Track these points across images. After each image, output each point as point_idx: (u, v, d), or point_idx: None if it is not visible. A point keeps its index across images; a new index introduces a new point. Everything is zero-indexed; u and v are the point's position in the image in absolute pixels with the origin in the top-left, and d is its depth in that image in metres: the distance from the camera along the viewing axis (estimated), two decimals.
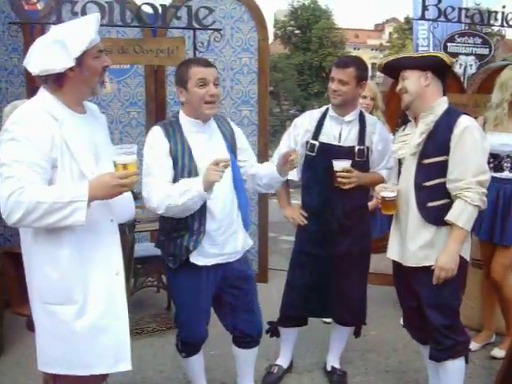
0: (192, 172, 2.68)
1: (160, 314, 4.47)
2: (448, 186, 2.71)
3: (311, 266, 3.28)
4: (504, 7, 5.91)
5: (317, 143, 3.21)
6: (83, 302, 2.19)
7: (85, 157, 2.18)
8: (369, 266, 3.43)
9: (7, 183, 2.01)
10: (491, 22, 5.87)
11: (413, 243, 2.80)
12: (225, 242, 2.79)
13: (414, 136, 2.85)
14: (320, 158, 3.19)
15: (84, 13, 4.34)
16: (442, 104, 2.81)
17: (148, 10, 4.75)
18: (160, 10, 4.68)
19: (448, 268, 2.68)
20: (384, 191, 2.90)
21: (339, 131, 3.20)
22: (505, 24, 5.82)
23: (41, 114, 2.13)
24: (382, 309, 4.46)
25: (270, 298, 4.27)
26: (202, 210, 2.68)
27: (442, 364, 2.84)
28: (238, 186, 2.85)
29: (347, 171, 3.05)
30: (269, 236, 5.58)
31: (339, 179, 3.05)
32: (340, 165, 3.05)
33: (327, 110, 3.28)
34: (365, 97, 4.05)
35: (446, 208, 2.71)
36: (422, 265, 2.78)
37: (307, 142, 3.25)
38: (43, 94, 2.21)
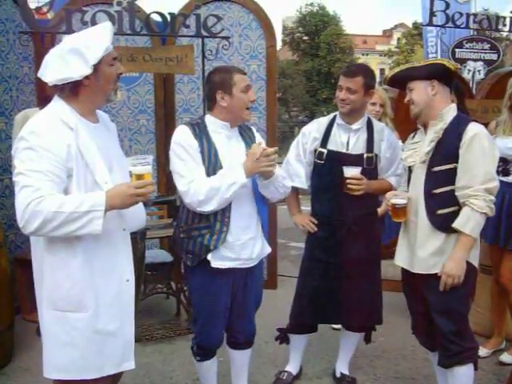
0: (217, 170, 2.72)
1: (169, 320, 4.48)
2: (456, 193, 2.72)
3: (321, 272, 3.29)
4: None
5: (325, 151, 3.23)
6: (95, 309, 2.21)
7: (99, 167, 2.21)
8: (380, 272, 3.43)
9: (25, 192, 2.03)
10: (499, 27, 5.87)
11: (422, 250, 2.81)
12: (242, 247, 2.80)
13: (423, 144, 2.86)
14: (329, 165, 3.21)
15: (94, 22, 4.39)
16: (450, 111, 2.81)
17: (157, 18, 4.78)
18: (169, 19, 4.72)
19: (454, 274, 2.68)
20: (394, 198, 2.90)
21: (347, 139, 3.22)
22: None
23: (57, 123, 2.15)
24: (391, 315, 4.45)
25: (278, 304, 4.29)
26: (226, 210, 2.72)
27: (450, 370, 2.84)
28: (257, 192, 2.86)
29: (357, 178, 3.07)
30: (278, 242, 5.58)
31: (349, 186, 3.07)
32: (350, 171, 3.08)
33: (335, 117, 3.29)
34: (374, 104, 4.05)
35: (456, 215, 2.71)
36: (431, 272, 2.78)
37: (315, 150, 3.27)
38: (58, 103, 2.23)
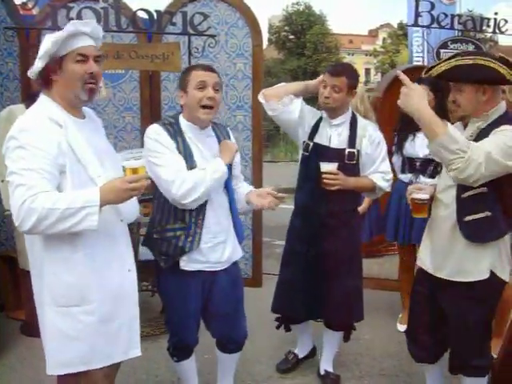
0: (194, 168, 2.71)
1: (154, 318, 4.47)
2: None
3: (298, 263, 3.37)
4: (496, 14, 5.98)
5: (311, 143, 3.31)
6: (99, 301, 2.24)
7: (90, 161, 2.23)
8: (360, 270, 3.47)
9: (19, 191, 2.04)
10: (484, 28, 5.93)
11: (447, 256, 2.66)
12: (210, 250, 2.79)
13: None
14: (312, 157, 3.29)
15: (80, 18, 4.35)
16: (496, 112, 2.57)
17: (143, 15, 4.77)
18: (155, 16, 4.70)
19: (406, 98, 2.41)
20: (416, 193, 2.76)
21: (330, 134, 3.29)
22: (497, 30, 5.88)
23: (45, 121, 2.17)
24: (376, 313, 4.48)
25: (263, 302, 4.28)
26: (200, 213, 2.72)
27: (460, 377, 2.81)
28: (231, 196, 2.87)
29: (333, 173, 3.13)
30: (263, 240, 5.59)
31: (325, 180, 3.14)
32: (326, 167, 3.14)
33: (323, 112, 3.38)
34: None
35: (484, 223, 2.52)
36: (454, 279, 2.64)
37: (303, 142, 3.36)
38: (44, 100, 2.26)
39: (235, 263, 2.97)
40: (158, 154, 2.68)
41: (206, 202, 2.72)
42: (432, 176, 3.81)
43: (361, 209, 3.67)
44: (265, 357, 3.80)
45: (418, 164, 4.05)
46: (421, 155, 4.00)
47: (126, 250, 2.38)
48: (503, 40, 7.10)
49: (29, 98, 4.00)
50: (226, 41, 5.23)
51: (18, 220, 2.04)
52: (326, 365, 3.60)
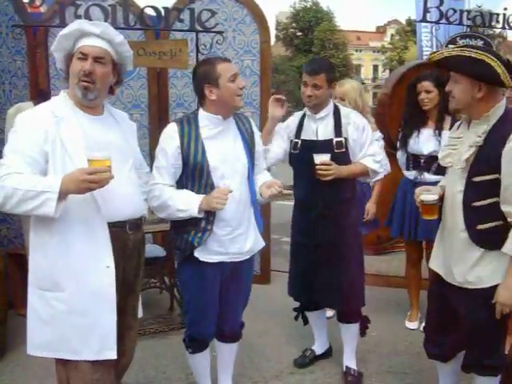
0: (204, 169, 2.72)
1: (163, 315, 4.49)
2: (502, 208, 2.38)
3: (302, 255, 3.45)
4: (505, 9, 5.94)
5: (299, 141, 3.40)
6: (72, 291, 2.28)
7: (79, 154, 2.25)
8: (359, 260, 3.48)
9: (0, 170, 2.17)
10: (493, 23, 5.89)
11: (459, 263, 2.56)
12: (231, 241, 2.81)
13: (463, 145, 2.52)
14: (303, 153, 3.35)
15: (87, 15, 4.37)
16: (497, 111, 2.44)
17: (151, 12, 4.77)
18: (163, 13, 4.70)
19: (509, 304, 2.41)
20: (424, 194, 2.66)
21: (316, 127, 3.36)
22: (506, 26, 5.84)
23: (41, 110, 2.31)
24: (384, 310, 4.47)
25: (271, 298, 4.29)
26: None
27: (473, 376, 2.77)
28: (252, 188, 2.89)
29: (326, 164, 3.17)
30: (271, 238, 5.59)
31: (319, 171, 3.18)
32: (319, 158, 3.18)
33: (305, 110, 3.46)
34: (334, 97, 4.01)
35: (498, 230, 2.41)
36: (466, 286, 2.55)
37: (291, 141, 3.44)
38: (60, 93, 2.44)
39: (253, 259, 3.04)
40: (156, 158, 2.82)
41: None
42: (437, 173, 3.79)
43: (368, 206, 3.66)
44: (273, 354, 3.80)
45: (422, 161, 4.01)
46: (425, 152, 3.97)
47: (104, 246, 2.33)
48: None
49: (39, 96, 4.03)
50: (233, 37, 5.23)
51: None
52: (347, 361, 3.58)
